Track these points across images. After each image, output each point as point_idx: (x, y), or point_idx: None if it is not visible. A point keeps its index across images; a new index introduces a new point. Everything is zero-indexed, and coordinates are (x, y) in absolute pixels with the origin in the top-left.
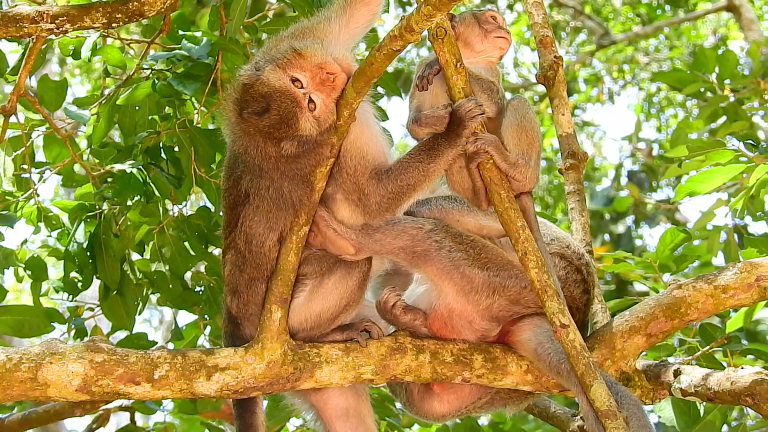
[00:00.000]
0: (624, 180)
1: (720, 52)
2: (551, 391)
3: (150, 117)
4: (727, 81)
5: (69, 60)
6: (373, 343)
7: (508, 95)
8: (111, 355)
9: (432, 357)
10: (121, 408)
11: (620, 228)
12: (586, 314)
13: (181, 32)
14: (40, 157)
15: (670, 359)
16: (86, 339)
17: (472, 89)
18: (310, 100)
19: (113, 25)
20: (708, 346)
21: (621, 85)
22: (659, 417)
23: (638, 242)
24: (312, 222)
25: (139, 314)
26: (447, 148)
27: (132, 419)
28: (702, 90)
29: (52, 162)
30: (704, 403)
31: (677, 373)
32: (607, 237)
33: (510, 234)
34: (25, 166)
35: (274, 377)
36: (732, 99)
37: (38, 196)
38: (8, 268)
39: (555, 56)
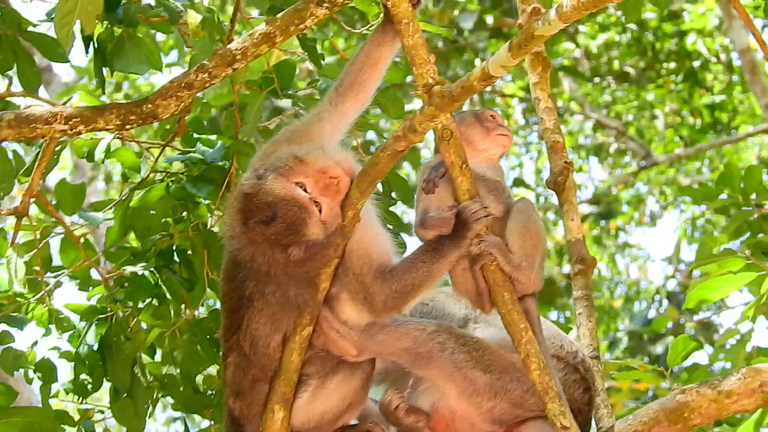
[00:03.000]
0: (664, 302)
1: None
2: None
3: (163, 220)
4: (753, 196)
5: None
6: None
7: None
8: None
9: None
10: None
11: (659, 348)
12: (590, 414)
13: (195, 135)
14: (57, 261)
15: None
16: None
17: (477, 190)
18: (316, 204)
19: (127, 126)
20: None
21: (662, 206)
22: None
23: None
24: (315, 322)
25: (149, 417)
26: (451, 249)
27: None
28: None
29: (67, 266)
30: None
31: None
32: (646, 359)
33: (513, 336)
34: (37, 269)
35: None
36: (756, 215)
37: (50, 298)
38: (18, 370)
39: (565, 162)
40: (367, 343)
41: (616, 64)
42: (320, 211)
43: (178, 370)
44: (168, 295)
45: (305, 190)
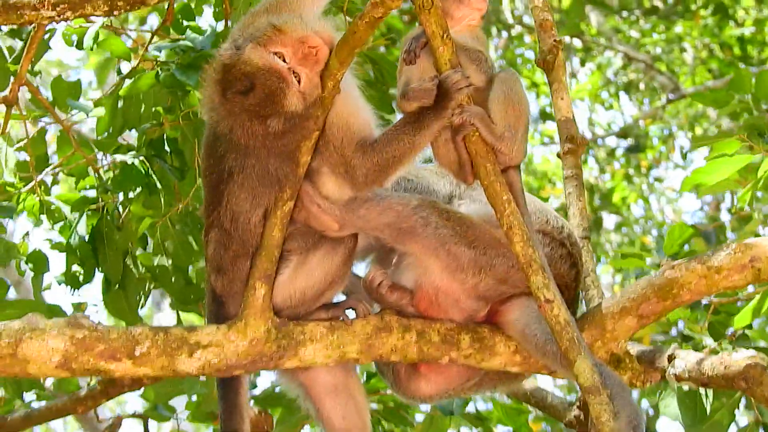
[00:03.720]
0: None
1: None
2: (540, 372)
3: (154, 109)
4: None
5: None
6: (358, 322)
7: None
8: (92, 331)
9: (418, 336)
10: (134, 415)
11: None
12: (577, 290)
13: (185, 23)
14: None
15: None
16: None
17: (458, 60)
18: (295, 75)
19: (115, 12)
20: (716, 343)
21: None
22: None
23: None
24: (297, 197)
25: (141, 308)
26: (432, 121)
27: (145, 427)
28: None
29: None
30: (711, 400)
31: (671, 358)
32: None
33: (495, 207)
34: (28, 158)
35: (257, 355)
36: None
37: (41, 188)
38: (11, 261)
39: (555, 40)
40: (349, 217)
41: None
42: (299, 81)
43: (170, 261)
44: (159, 185)
45: (284, 60)
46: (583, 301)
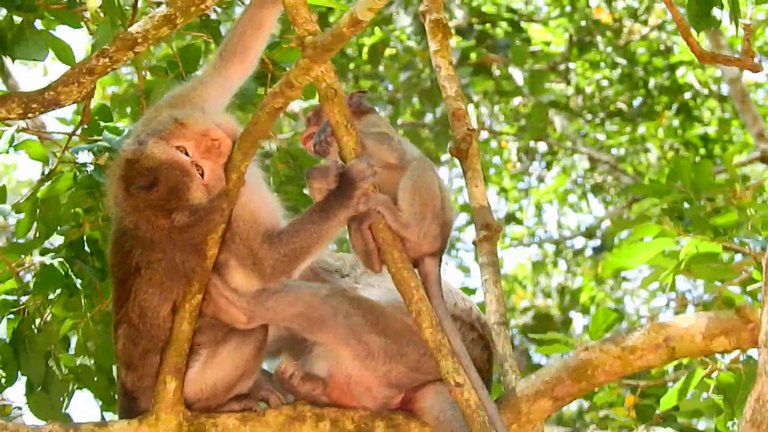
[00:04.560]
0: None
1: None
2: None
3: (73, 210)
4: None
5: None
6: (271, 413)
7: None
8: (2, 429)
9: (332, 425)
10: None
11: None
12: (490, 372)
13: (102, 123)
14: None
15: None
16: None
17: (362, 149)
18: (198, 168)
19: (29, 114)
20: (643, 426)
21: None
22: None
23: None
24: (204, 290)
25: (65, 410)
26: (339, 210)
27: None
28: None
29: None
30: None
31: None
32: None
33: (403, 294)
34: None
35: None
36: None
37: None
38: None
39: (468, 128)
40: (258, 309)
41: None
42: (203, 174)
43: (93, 361)
44: (79, 286)
45: (186, 154)
46: (501, 385)
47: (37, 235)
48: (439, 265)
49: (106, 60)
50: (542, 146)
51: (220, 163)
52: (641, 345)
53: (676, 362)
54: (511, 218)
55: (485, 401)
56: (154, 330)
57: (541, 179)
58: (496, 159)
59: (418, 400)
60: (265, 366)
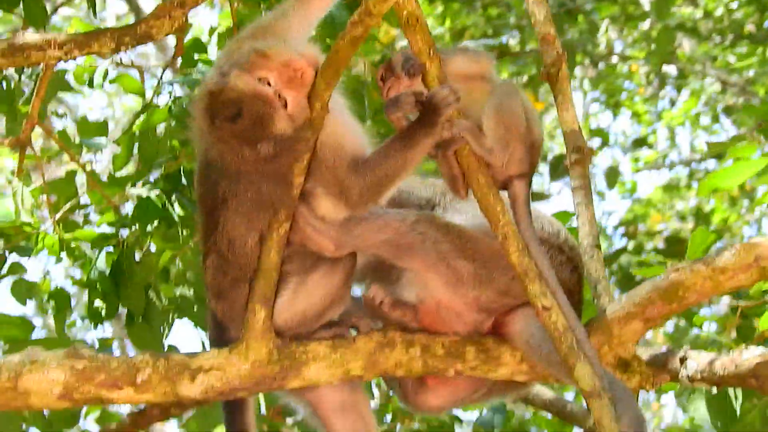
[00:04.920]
0: None
1: None
2: (548, 381)
3: (169, 142)
4: None
5: None
6: (361, 339)
7: None
8: (92, 361)
9: (423, 351)
10: None
11: None
12: (580, 294)
13: (196, 56)
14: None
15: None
16: None
17: (446, 76)
18: (281, 98)
19: (122, 48)
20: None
21: None
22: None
23: None
24: (292, 219)
25: (166, 339)
26: (423, 137)
27: None
28: None
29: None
30: (740, 401)
31: (683, 360)
32: None
33: (490, 219)
34: (44, 198)
35: (260, 377)
36: None
37: (59, 226)
38: (32, 299)
39: (558, 52)
40: (345, 237)
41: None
42: (286, 105)
43: (192, 291)
44: (177, 218)
45: (269, 84)
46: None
47: (139, 168)
48: (529, 187)
49: None
50: (672, 70)
51: (303, 93)
52: (731, 265)
53: None
54: (642, 142)
55: (573, 324)
56: (242, 260)
57: (673, 102)
58: (628, 84)
59: (508, 325)
60: (356, 292)
